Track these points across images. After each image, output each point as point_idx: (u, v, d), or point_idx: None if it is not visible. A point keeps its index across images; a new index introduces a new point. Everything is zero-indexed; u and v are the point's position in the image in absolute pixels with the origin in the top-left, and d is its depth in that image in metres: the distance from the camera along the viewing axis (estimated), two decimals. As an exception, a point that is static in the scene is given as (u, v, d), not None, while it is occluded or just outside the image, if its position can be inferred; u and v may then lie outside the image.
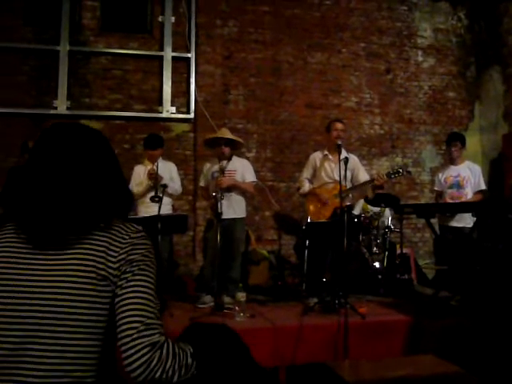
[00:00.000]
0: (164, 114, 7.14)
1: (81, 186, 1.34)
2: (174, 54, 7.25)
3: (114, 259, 1.31)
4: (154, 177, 5.03)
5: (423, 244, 7.89)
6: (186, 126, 7.29)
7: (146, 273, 1.33)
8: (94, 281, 1.28)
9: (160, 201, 4.78)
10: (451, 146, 5.64)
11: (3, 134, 6.56)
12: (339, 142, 4.89)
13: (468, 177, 5.52)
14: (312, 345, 3.82)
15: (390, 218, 5.99)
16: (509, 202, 4.69)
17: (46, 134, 1.40)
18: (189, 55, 7.30)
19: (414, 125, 8.13)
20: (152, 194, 4.98)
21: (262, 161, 7.43)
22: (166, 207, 5.20)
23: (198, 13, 7.38)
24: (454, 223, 5.40)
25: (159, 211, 4.67)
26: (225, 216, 4.80)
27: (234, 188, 5.09)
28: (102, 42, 7.18)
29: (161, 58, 7.24)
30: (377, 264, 5.70)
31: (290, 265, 7.03)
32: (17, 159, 5.97)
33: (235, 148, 5.32)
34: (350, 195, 5.25)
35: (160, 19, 7.33)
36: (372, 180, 4.98)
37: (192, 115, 7.22)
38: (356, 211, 5.93)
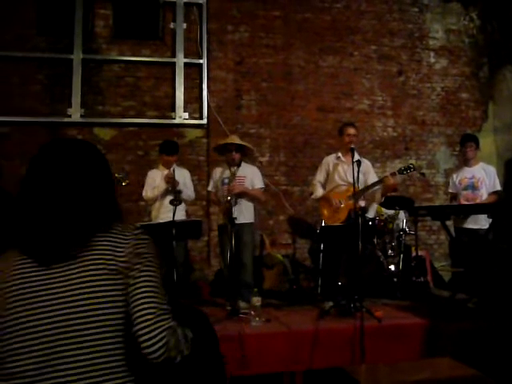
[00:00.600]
0: (177, 120, 7.19)
1: (76, 199, 1.39)
2: (186, 60, 7.30)
3: (122, 253, 1.37)
4: (171, 181, 5.07)
5: (439, 246, 7.83)
6: (198, 132, 7.32)
7: (153, 264, 1.41)
8: (110, 276, 1.33)
9: (179, 204, 4.86)
10: (466, 146, 5.61)
11: (19, 142, 6.65)
12: (352, 146, 4.89)
13: (483, 178, 5.48)
14: (328, 349, 3.80)
15: (404, 221, 5.95)
16: (525, 203, 4.64)
17: (42, 151, 1.44)
18: (201, 61, 7.34)
19: (427, 126, 8.09)
20: (168, 198, 5.02)
21: (275, 165, 7.44)
22: (180, 213, 5.22)
23: (209, 19, 7.43)
24: (470, 225, 5.36)
25: (174, 217, 4.69)
26: (236, 221, 4.82)
27: (244, 194, 5.11)
28: (115, 49, 7.25)
29: (173, 65, 7.29)
30: (392, 267, 5.66)
31: (305, 269, 7.01)
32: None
33: (245, 154, 5.34)
34: (363, 197, 5.25)
35: (172, 26, 7.38)
36: (382, 179, 4.99)
37: (205, 121, 7.26)
38: (370, 214, 5.90)
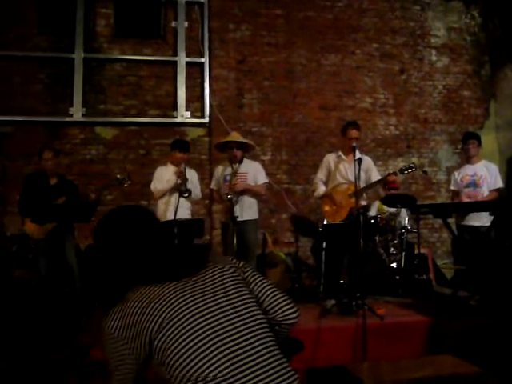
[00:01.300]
0: (179, 119, 7.20)
1: (167, 245, 1.64)
2: (188, 59, 7.31)
3: (233, 263, 1.66)
4: (182, 176, 5.10)
5: (441, 244, 7.83)
6: (200, 131, 7.33)
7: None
8: (233, 268, 1.60)
9: (190, 195, 5.07)
10: (468, 143, 5.62)
11: (21, 141, 6.68)
12: (354, 145, 4.88)
13: (485, 176, 5.48)
14: (331, 347, 3.80)
15: (406, 219, 5.94)
16: (527, 201, 4.64)
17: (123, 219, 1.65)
18: (202, 60, 7.35)
19: (429, 124, 8.08)
20: (175, 195, 5.06)
21: (277, 163, 7.44)
22: (186, 211, 5.25)
23: (210, 17, 7.43)
24: (471, 222, 5.37)
25: (175, 216, 4.70)
26: (239, 218, 4.82)
27: (246, 191, 5.11)
28: (116, 48, 7.26)
29: (174, 64, 7.29)
30: (394, 265, 5.65)
31: (308, 267, 7.01)
32: (34, 166, 6.06)
33: (247, 151, 5.34)
34: (365, 195, 5.25)
35: (173, 25, 7.39)
36: (384, 178, 4.99)
37: (207, 119, 7.26)
38: (372, 212, 5.91)
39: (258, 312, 1.50)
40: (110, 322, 1.45)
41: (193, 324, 1.38)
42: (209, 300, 1.44)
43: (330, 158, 5.45)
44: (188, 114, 7.23)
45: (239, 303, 1.47)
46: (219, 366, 1.33)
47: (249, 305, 1.49)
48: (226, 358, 1.35)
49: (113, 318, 1.45)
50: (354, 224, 4.53)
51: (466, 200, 5.48)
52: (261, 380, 1.36)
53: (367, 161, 5.25)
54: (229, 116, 7.30)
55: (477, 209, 5.12)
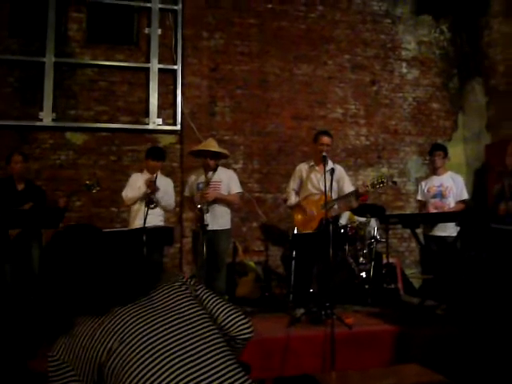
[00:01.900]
0: (150, 126, 7.15)
1: (115, 267, 1.55)
2: (161, 66, 7.28)
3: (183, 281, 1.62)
4: (152, 185, 5.03)
5: (409, 253, 7.94)
6: (172, 138, 7.29)
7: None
8: (184, 287, 1.57)
9: (155, 207, 4.91)
10: (434, 155, 5.75)
11: (-12, 146, 6.53)
12: (324, 154, 4.92)
13: (451, 187, 5.61)
14: (299, 356, 3.81)
15: (375, 228, 6.01)
16: (491, 212, 4.75)
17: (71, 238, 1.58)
18: (175, 67, 7.33)
19: (399, 135, 8.21)
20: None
21: (248, 172, 7.45)
22: (158, 218, 5.21)
23: (184, 25, 7.42)
24: (438, 232, 5.47)
25: (144, 223, 4.66)
26: (210, 227, 4.80)
27: (219, 200, 5.09)
28: (88, 53, 7.18)
29: (147, 70, 7.25)
30: (363, 274, 5.70)
31: (278, 276, 7.03)
32: (1, 171, 5.94)
33: (221, 159, 5.34)
34: (336, 206, 5.29)
35: (146, 31, 7.35)
36: (356, 190, 5.03)
37: (178, 127, 7.23)
38: (343, 221, 5.96)
39: (212, 327, 1.50)
40: (57, 348, 1.41)
41: (144, 344, 1.35)
42: (161, 319, 1.43)
43: (303, 168, 5.49)
44: (160, 120, 7.18)
45: (193, 319, 1.47)
46: (174, 382, 1.31)
47: (202, 321, 1.49)
48: (181, 375, 1.32)
49: (60, 343, 1.41)
50: (323, 233, 4.57)
51: (432, 210, 5.59)
52: None
53: (339, 170, 5.31)
54: (201, 124, 7.29)
55: (444, 219, 5.22)
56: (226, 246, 5.23)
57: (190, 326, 1.44)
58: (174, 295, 1.52)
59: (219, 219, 5.09)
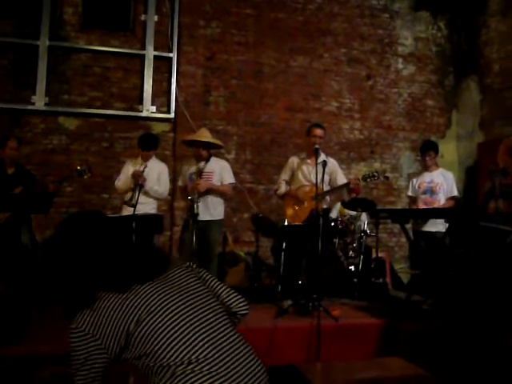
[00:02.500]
0: (144, 113, 7.12)
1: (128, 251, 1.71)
2: (156, 53, 7.24)
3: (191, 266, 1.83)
4: (137, 179, 4.99)
5: (399, 248, 7.98)
6: (165, 126, 7.27)
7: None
8: (190, 268, 1.78)
9: (133, 206, 4.78)
10: (425, 155, 5.76)
11: (-21, 128, 6.48)
12: (316, 146, 4.92)
13: (441, 183, 5.64)
14: (285, 347, 3.83)
15: (366, 222, 6.03)
16: (480, 210, 4.77)
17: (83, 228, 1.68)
18: (171, 55, 7.29)
19: (392, 131, 8.23)
20: (130, 193, 4.96)
21: (241, 163, 7.44)
22: (150, 206, 5.19)
23: (181, 12, 7.38)
24: (427, 228, 5.50)
25: (134, 210, 4.65)
26: (201, 218, 4.78)
27: (210, 191, 5.07)
28: (83, 38, 7.13)
29: (142, 57, 7.21)
30: (352, 268, 5.72)
31: (267, 267, 7.03)
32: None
33: (214, 149, 5.31)
34: (328, 198, 5.30)
35: (143, 18, 7.31)
36: (348, 183, 5.04)
37: (172, 115, 7.21)
38: (333, 214, 5.97)
39: (217, 303, 1.72)
40: (80, 321, 1.51)
41: (170, 315, 1.53)
42: (178, 294, 1.60)
43: (294, 160, 5.47)
44: (154, 108, 7.16)
45: (203, 295, 1.67)
46: (200, 349, 1.49)
47: (210, 297, 1.69)
48: (205, 342, 1.52)
49: (83, 316, 1.52)
50: (313, 226, 4.57)
51: (422, 206, 5.62)
52: (238, 360, 1.55)
53: (332, 163, 5.30)
54: (194, 112, 7.27)
55: (433, 216, 5.25)
56: (216, 237, 5.21)
57: (202, 300, 1.64)
58: (185, 275, 1.71)
59: (211, 209, 5.07)
